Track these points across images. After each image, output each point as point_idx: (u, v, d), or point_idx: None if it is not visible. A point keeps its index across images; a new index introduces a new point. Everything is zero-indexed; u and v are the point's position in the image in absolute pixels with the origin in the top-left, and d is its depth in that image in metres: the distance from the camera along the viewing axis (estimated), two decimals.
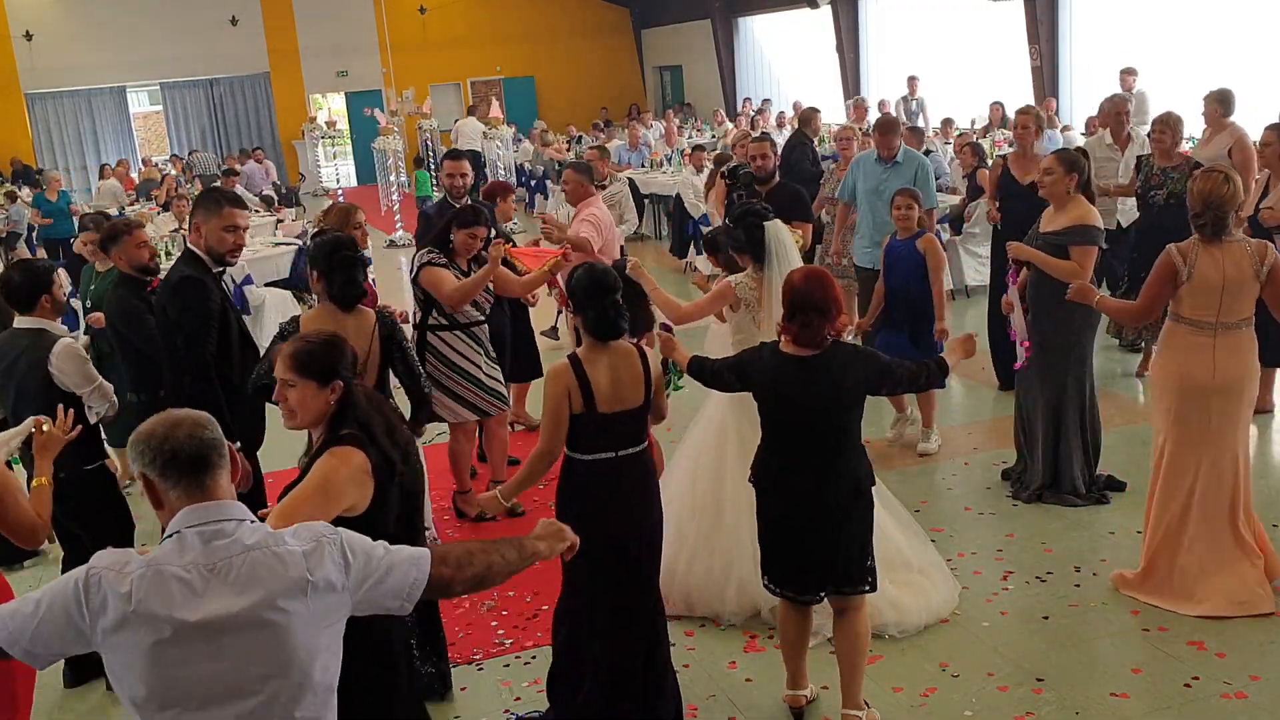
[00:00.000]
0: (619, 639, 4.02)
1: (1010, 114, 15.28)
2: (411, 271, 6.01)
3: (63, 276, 5.09)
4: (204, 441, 2.32)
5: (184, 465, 2.29)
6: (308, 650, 2.29)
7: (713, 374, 4.12)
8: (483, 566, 2.56)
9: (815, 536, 3.91)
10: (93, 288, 6.95)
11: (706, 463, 5.00)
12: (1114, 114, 8.36)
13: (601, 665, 4.04)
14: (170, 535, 2.29)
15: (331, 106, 26.28)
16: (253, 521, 2.34)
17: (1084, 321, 5.76)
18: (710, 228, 8.13)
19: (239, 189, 15.99)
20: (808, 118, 11.08)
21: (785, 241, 4.94)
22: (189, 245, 4.80)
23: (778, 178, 7.57)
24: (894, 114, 16.59)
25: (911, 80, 17.67)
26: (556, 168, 17.97)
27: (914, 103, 17.42)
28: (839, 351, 3.86)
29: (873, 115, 17.39)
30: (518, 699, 4.46)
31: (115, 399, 4.69)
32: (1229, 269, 4.64)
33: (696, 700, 4.37)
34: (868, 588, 3.99)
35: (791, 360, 3.85)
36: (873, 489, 4.03)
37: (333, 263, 4.45)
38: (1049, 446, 5.91)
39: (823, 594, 4.01)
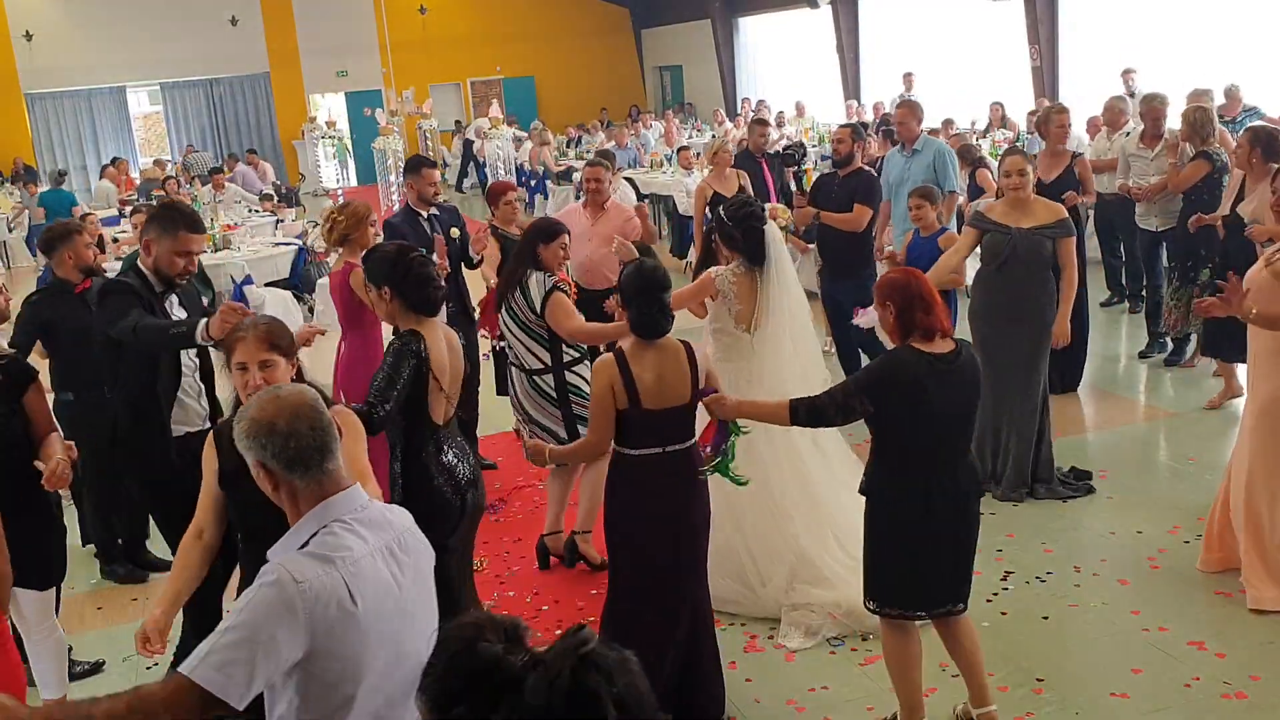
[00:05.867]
0: (655, 640, 3.99)
1: (1009, 114, 15.38)
2: (539, 304, 5.30)
3: None
4: (324, 429, 2.38)
5: (311, 459, 2.34)
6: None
7: (838, 408, 3.72)
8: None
9: (954, 544, 3.77)
10: None
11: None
12: (1150, 115, 8.24)
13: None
14: (323, 529, 2.33)
15: (331, 107, 26.25)
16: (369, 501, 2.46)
17: (1046, 323, 5.90)
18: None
19: (236, 188, 16.00)
20: (756, 133, 9.98)
21: (780, 244, 5.01)
22: (137, 262, 4.50)
23: (858, 162, 7.49)
24: (889, 112, 16.62)
25: (907, 76, 17.65)
26: (542, 171, 17.94)
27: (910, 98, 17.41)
28: (962, 344, 3.77)
29: (868, 117, 17.46)
30: None
31: None
32: None
33: None
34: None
35: (939, 358, 3.66)
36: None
37: (401, 272, 3.94)
38: (997, 441, 6.04)
39: (940, 610, 3.86)
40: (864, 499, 3.88)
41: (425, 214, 6.68)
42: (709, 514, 4.11)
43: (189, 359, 4.53)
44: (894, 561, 3.77)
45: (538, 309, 5.26)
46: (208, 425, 4.54)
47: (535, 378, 5.40)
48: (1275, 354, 4.64)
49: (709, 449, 3.96)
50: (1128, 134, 8.63)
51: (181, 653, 4.35)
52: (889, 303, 3.72)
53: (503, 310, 5.41)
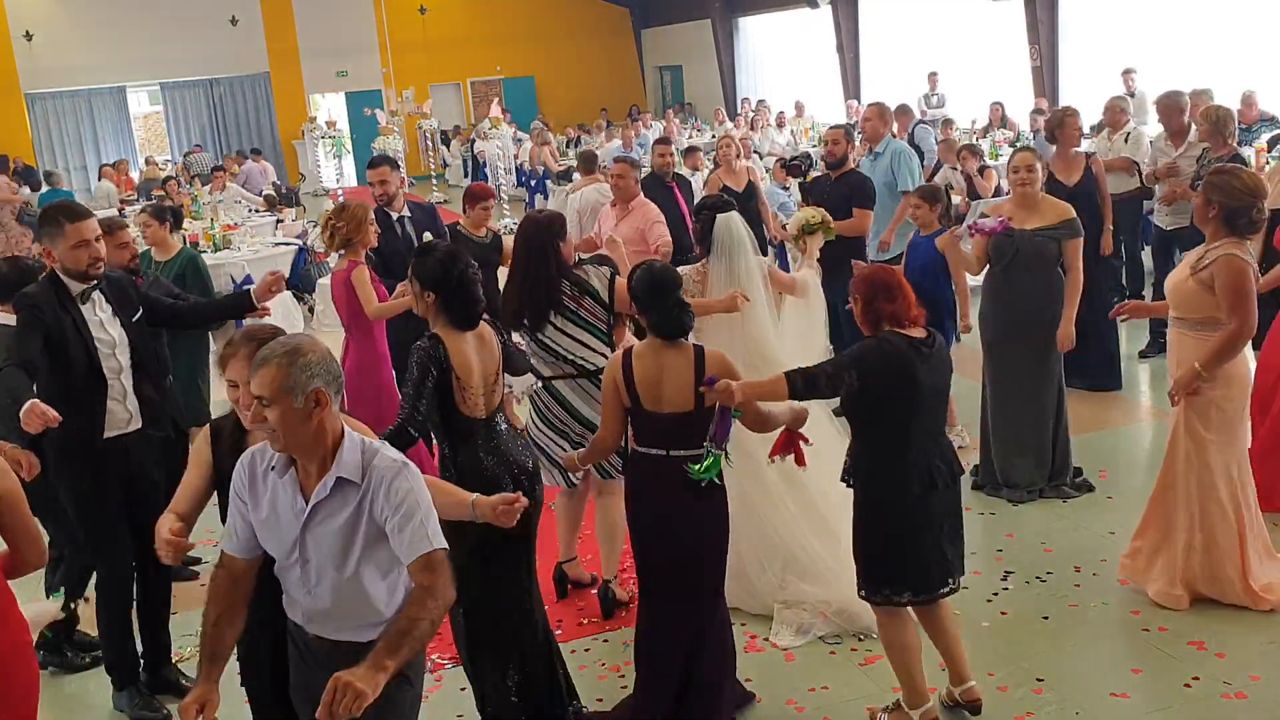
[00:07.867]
0: (657, 642, 4.03)
1: (1009, 114, 15.38)
2: (607, 295, 5.02)
3: None
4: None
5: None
6: None
7: (829, 378, 3.80)
8: None
9: (953, 519, 3.94)
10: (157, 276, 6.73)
11: None
12: (1165, 113, 8.08)
13: (640, 666, 4.11)
14: (366, 445, 2.83)
15: (331, 107, 26.24)
16: None
17: (1055, 320, 5.81)
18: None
19: (236, 187, 15.98)
20: (657, 153, 8.85)
21: (735, 233, 4.98)
22: (52, 267, 4.40)
23: (849, 164, 7.49)
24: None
25: (932, 76, 17.60)
26: (543, 171, 17.90)
27: (934, 98, 17.38)
28: (933, 332, 3.92)
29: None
30: None
31: None
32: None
33: None
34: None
35: (919, 342, 3.81)
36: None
37: (449, 284, 3.89)
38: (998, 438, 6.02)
39: (939, 592, 3.94)
40: (850, 488, 3.97)
41: (396, 214, 6.57)
42: (719, 528, 4.00)
43: (115, 358, 4.39)
44: (889, 544, 3.86)
45: (607, 300, 4.93)
46: (134, 427, 4.47)
47: (600, 378, 4.63)
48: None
49: (714, 439, 3.86)
50: (1128, 135, 8.60)
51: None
52: (857, 295, 3.89)
53: (550, 320, 4.88)
